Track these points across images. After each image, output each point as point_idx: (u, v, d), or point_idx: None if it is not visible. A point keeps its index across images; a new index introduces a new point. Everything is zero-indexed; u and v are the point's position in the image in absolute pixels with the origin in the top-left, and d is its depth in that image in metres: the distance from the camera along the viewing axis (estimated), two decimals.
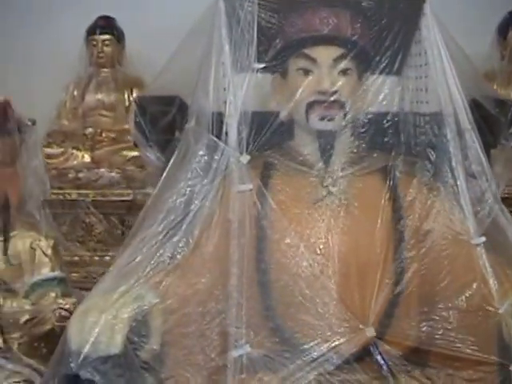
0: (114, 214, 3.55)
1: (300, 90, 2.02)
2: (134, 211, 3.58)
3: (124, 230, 3.54)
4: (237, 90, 2.10)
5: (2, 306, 2.12)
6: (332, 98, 1.98)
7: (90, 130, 3.71)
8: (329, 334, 1.85)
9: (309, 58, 2.02)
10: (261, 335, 1.88)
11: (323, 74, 2.01)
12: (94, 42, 3.78)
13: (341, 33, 2.06)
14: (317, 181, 2.02)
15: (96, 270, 3.50)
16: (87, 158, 3.66)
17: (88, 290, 3.68)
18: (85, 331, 1.76)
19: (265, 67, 2.09)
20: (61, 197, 3.51)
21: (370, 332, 1.86)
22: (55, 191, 3.55)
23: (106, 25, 3.79)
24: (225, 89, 2.19)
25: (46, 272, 2.24)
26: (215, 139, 2.08)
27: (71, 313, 2.10)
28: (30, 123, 2.33)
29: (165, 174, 2.18)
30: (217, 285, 1.93)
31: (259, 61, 2.11)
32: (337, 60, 2.01)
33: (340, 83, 2.00)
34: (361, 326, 1.86)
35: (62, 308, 2.08)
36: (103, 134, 3.73)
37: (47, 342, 2.16)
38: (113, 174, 3.55)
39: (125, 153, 3.60)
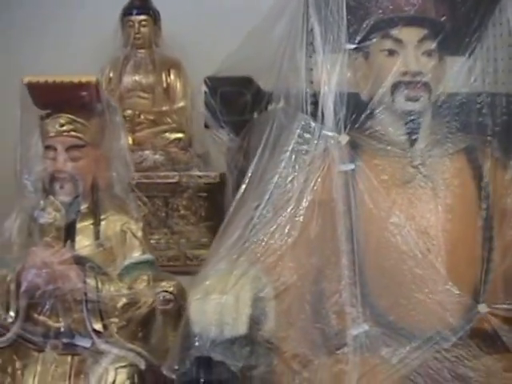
0: (159, 197, 3.51)
1: (385, 71, 2.07)
2: (178, 193, 3.58)
3: (168, 212, 3.52)
4: (331, 70, 2.14)
5: (101, 290, 2.12)
6: (418, 79, 2.03)
7: (129, 111, 3.65)
8: (442, 311, 1.90)
9: (394, 39, 2.05)
10: (375, 313, 1.92)
11: (409, 54, 2.04)
12: (131, 23, 3.69)
13: (426, 14, 2.10)
14: (405, 161, 2.06)
15: None
16: (128, 140, 3.63)
17: None
18: (207, 314, 1.79)
19: (356, 48, 2.13)
20: None
21: (483, 308, 1.91)
22: None
23: (142, 5, 3.72)
24: (312, 69, 2.22)
25: (137, 255, 2.23)
26: (311, 120, 2.10)
27: (175, 296, 2.11)
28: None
29: (258, 155, 2.20)
30: (327, 264, 1.97)
31: (349, 41, 2.16)
32: (421, 41, 2.04)
33: (425, 64, 2.04)
34: (473, 303, 1.91)
35: (166, 291, 2.08)
36: (141, 116, 3.68)
37: (143, 325, 2.16)
38: (157, 156, 3.52)
39: (167, 135, 3.57)
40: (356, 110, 2.10)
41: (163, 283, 2.11)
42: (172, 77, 3.76)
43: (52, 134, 2.20)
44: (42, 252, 2.08)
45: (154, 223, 3.53)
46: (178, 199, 3.51)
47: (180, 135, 3.58)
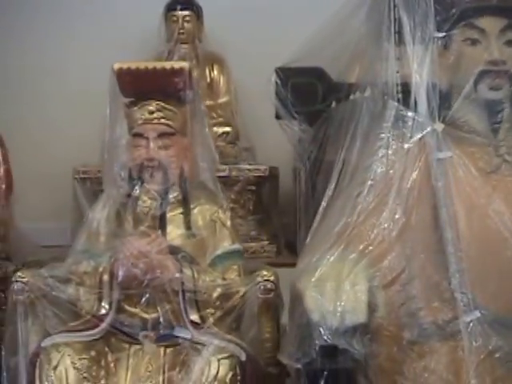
0: None
1: (467, 60, 2.06)
2: (228, 187, 3.53)
3: None
4: (421, 59, 2.13)
5: (197, 280, 2.07)
6: (501, 68, 2.02)
7: None
8: None
9: (477, 28, 2.05)
10: (481, 300, 1.90)
11: (492, 44, 2.04)
12: (175, 18, 3.69)
13: (508, 3, 2.10)
14: (490, 150, 2.05)
15: None
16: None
17: None
18: (325, 302, 1.77)
19: (444, 36, 2.12)
20: None
21: None
22: None
23: (186, 1, 3.72)
24: (398, 58, 2.21)
25: (227, 245, 2.19)
26: (405, 109, 2.09)
27: (276, 285, 2.06)
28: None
29: (348, 143, 2.18)
30: (431, 252, 1.94)
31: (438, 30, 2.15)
32: (503, 31, 2.05)
33: (507, 53, 2.04)
34: None
35: (267, 280, 2.04)
36: None
37: (236, 316, 2.11)
38: None
39: (215, 129, 3.53)
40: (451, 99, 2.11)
41: (264, 272, 2.07)
42: (215, 72, 3.74)
43: (141, 122, 2.16)
44: (138, 241, 2.03)
45: None
46: (227, 193, 3.48)
47: (227, 129, 3.57)
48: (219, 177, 3.45)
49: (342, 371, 1.75)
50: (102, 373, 2.05)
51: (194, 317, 2.06)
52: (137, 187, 2.09)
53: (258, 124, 3.73)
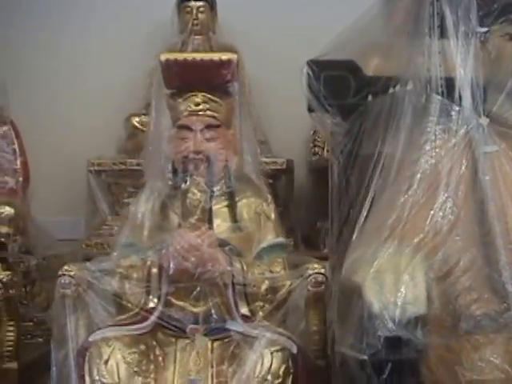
0: None
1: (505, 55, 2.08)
2: None
3: None
4: (465, 53, 2.14)
5: (246, 273, 2.07)
6: None
7: None
8: None
9: None
10: None
11: None
12: (189, 9, 3.63)
13: None
14: None
15: None
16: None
17: None
18: (385, 293, 1.77)
19: (487, 31, 2.14)
20: None
21: None
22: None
23: None
24: (440, 52, 2.22)
25: (271, 238, 2.19)
26: (449, 103, 2.10)
27: (327, 277, 2.06)
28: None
29: (391, 137, 2.18)
30: (482, 245, 1.96)
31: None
32: None
33: None
34: None
35: (318, 273, 2.03)
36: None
37: (283, 309, 2.11)
38: None
39: None
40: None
41: (315, 265, 2.07)
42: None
43: (187, 114, 2.14)
44: (188, 235, 2.02)
45: None
46: None
47: None
48: None
49: (405, 362, 1.75)
50: (152, 367, 2.03)
51: (244, 310, 2.06)
52: (187, 179, 2.08)
53: (269, 117, 3.74)
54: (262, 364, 1.95)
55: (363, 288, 1.82)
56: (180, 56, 2.07)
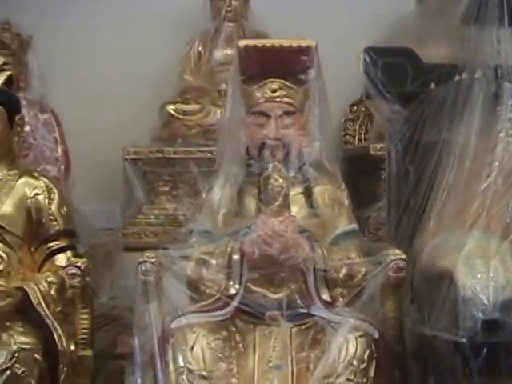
0: None
1: None
2: None
3: None
4: None
5: (327, 259, 2.07)
6: None
7: (224, 85, 3.59)
8: None
9: None
10: None
11: None
12: None
13: None
14: None
15: None
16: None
17: None
18: (477, 278, 1.79)
19: None
20: (208, 154, 3.39)
21: None
22: (202, 149, 3.46)
23: None
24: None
25: (345, 224, 2.19)
26: None
27: (408, 263, 2.07)
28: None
29: (464, 125, 2.20)
30: None
31: None
32: None
33: None
34: None
35: (400, 259, 2.04)
36: None
37: (356, 295, 2.10)
38: None
39: None
40: None
41: (396, 251, 2.08)
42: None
43: (262, 100, 2.14)
44: (272, 221, 2.01)
45: None
46: None
47: None
48: None
49: (502, 345, 1.78)
50: (233, 353, 2.03)
51: (325, 296, 2.06)
52: (269, 166, 2.08)
53: None
54: (347, 349, 1.96)
55: (455, 273, 1.85)
56: (259, 42, 2.07)
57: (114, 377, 2.31)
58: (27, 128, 3.17)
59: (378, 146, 3.28)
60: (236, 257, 2.06)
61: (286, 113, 2.14)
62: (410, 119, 2.53)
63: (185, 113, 3.52)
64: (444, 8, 2.63)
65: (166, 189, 3.49)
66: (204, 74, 3.69)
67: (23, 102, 3.23)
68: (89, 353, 2.15)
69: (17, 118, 2.24)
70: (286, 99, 2.14)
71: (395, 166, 2.64)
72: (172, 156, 3.43)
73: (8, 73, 2.26)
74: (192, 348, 1.98)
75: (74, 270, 2.09)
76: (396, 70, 2.62)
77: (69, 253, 2.22)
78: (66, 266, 2.11)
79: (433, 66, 2.58)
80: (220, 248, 2.10)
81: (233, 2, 3.66)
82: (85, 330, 2.16)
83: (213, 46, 3.68)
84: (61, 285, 2.16)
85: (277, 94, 2.14)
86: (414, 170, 2.53)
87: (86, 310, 2.16)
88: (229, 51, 3.72)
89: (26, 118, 3.10)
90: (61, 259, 2.20)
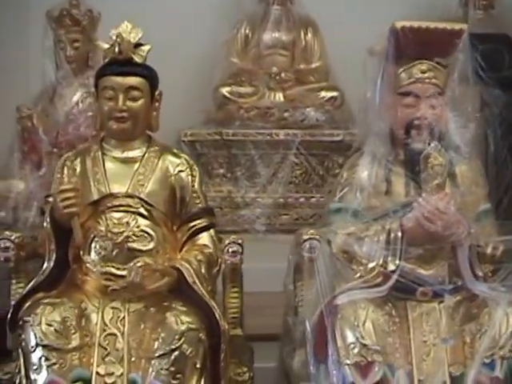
0: (317, 155, 3.47)
1: None
2: (341, 152, 3.55)
3: (324, 170, 3.49)
4: None
5: (479, 235, 2.12)
6: None
7: (275, 69, 3.59)
8: None
9: None
10: None
11: None
12: None
13: None
14: None
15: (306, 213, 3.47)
16: (280, 97, 3.55)
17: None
18: None
19: None
20: (267, 137, 3.39)
21: None
22: (260, 131, 3.44)
23: None
24: None
25: (483, 203, 2.23)
26: None
27: None
28: None
29: None
30: None
31: None
32: None
33: None
34: None
35: None
36: (282, 74, 3.64)
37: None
38: (318, 114, 3.48)
39: (323, 93, 3.54)
40: None
41: None
42: (309, 35, 3.71)
43: (412, 81, 2.17)
44: (433, 199, 2.05)
45: (313, 181, 3.53)
46: (335, 158, 3.51)
47: (335, 93, 3.55)
48: (332, 141, 3.57)
49: None
50: (395, 328, 2.07)
51: (479, 271, 2.12)
52: (432, 144, 2.12)
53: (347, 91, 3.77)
54: (508, 322, 2.04)
55: None
56: (415, 24, 2.10)
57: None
58: None
59: None
60: (397, 234, 2.09)
61: (434, 94, 2.19)
62: (509, 104, 2.64)
63: (240, 95, 3.52)
64: None
65: (222, 171, 3.47)
66: (252, 57, 3.69)
67: (92, 81, 3.16)
68: (239, 332, 2.14)
69: (156, 92, 2.19)
70: (434, 80, 2.19)
71: (494, 149, 2.75)
72: (230, 138, 3.42)
73: (148, 47, 2.20)
74: (364, 323, 2.02)
75: (235, 248, 2.09)
76: (494, 56, 2.73)
77: (211, 231, 2.18)
78: (228, 244, 2.10)
79: None
80: (376, 225, 2.13)
81: None
82: (235, 309, 2.15)
83: (261, 30, 3.69)
84: (208, 263, 2.13)
85: (426, 75, 2.18)
86: None
87: (235, 289, 2.15)
88: (277, 34, 3.73)
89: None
90: (204, 238, 2.15)
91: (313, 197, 3.46)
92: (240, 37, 3.69)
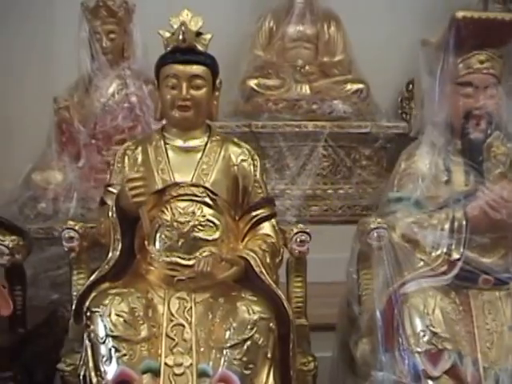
0: (344, 147, 3.46)
1: None
2: (368, 143, 3.56)
3: (351, 162, 3.50)
4: None
5: None
6: None
7: (300, 61, 3.59)
8: None
9: None
10: None
11: None
12: None
13: None
14: None
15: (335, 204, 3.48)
16: (307, 90, 3.56)
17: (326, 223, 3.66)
18: None
19: None
20: (296, 129, 3.39)
21: None
22: (289, 123, 3.43)
23: None
24: None
25: None
26: None
27: None
28: None
29: None
30: None
31: None
32: None
33: None
34: None
35: None
36: (307, 67, 3.64)
37: None
38: (345, 106, 3.48)
39: (349, 86, 3.54)
40: None
41: None
42: (332, 28, 3.71)
43: (470, 71, 2.20)
44: (497, 188, 2.09)
45: (341, 173, 3.53)
46: (361, 150, 3.52)
47: (361, 86, 3.54)
48: (360, 133, 3.58)
49: None
50: (460, 316, 2.10)
51: None
52: (494, 134, 2.14)
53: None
54: None
55: None
56: (476, 14, 2.11)
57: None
58: (134, 99, 3.09)
59: None
60: (461, 222, 2.12)
61: (492, 84, 2.22)
62: None
63: (267, 87, 3.50)
64: None
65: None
66: (276, 50, 3.68)
67: (128, 72, 3.15)
68: (304, 321, 2.14)
69: (217, 81, 2.18)
70: (491, 71, 2.21)
71: None
72: (260, 130, 3.40)
73: (209, 35, 2.18)
74: (433, 311, 2.04)
75: (304, 237, 2.09)
76: None
77: (273, 221, 2.18)
78: (296, 233, 2.10)
79: None
80: (439, 214, 2.15)
81: None
82: (299, 299, 2.15)
83: (285, 23, 3.67)
84: (272, 253, 2.13)
85: (484, 65, 2.20)
86: None
87: (299, 279, 2.15)
88: (301, 28, 3.72)
89: (132, 89, 3.06)
90: (266, 227, 2.15)
91: (341, 188, 3.50)
92: (264, 30, 3.68)
